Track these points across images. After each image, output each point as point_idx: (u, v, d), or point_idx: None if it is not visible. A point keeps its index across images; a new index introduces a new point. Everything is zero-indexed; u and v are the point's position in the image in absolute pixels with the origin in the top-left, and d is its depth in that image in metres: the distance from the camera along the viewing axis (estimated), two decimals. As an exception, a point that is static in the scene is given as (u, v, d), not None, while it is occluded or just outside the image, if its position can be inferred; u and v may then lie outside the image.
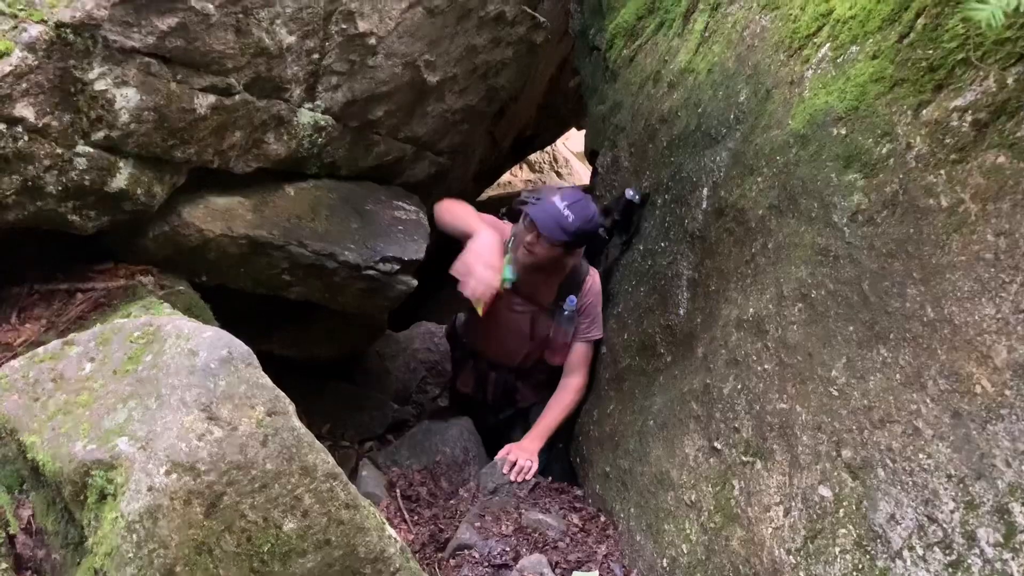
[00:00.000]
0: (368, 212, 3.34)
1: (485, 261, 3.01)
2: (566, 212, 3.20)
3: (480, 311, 3.45)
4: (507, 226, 3.63)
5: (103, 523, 1.76)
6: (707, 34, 3.18)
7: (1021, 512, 1.48)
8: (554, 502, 3.18)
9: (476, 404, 3.95)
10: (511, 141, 6.62)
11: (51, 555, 1.97)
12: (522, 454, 3.30)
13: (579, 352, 3.53)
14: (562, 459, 3.64)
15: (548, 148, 9.86)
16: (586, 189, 4.26)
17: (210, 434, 1.81)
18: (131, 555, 1.71)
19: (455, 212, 3.38)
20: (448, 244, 3.84)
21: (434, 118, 3.60)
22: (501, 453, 3.35)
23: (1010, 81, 1.70)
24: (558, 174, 10.38)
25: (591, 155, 4.44)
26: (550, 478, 3.37)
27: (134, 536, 1.72)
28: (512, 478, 3.20)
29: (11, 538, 1.95)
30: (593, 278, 3.53)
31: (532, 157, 9.81)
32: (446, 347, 4.51)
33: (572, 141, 10.03)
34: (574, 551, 2.82)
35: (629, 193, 3.37)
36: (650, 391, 2.96)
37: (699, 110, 3.00)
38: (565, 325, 3.49)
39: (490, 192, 8.23)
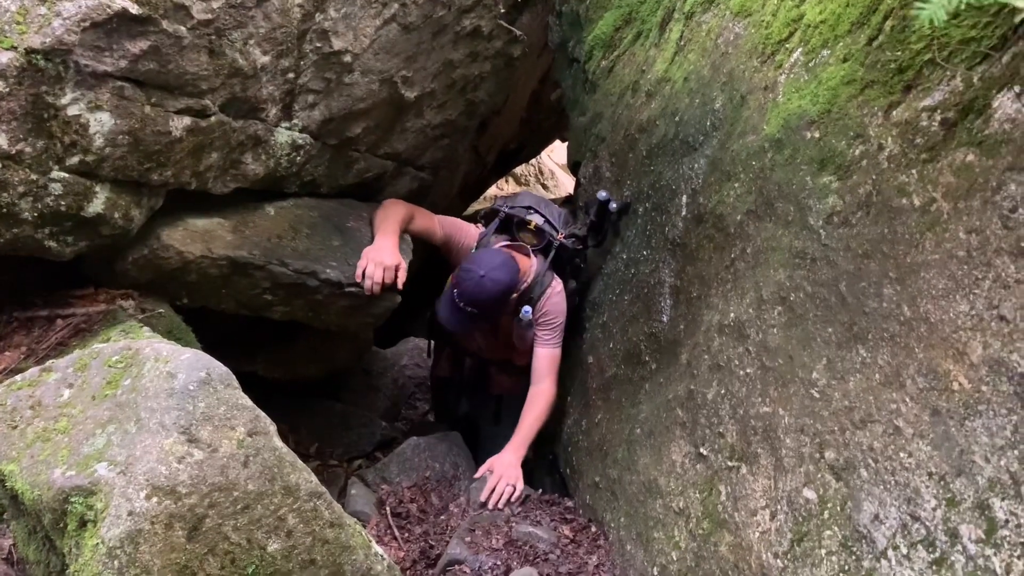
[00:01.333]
0: (350, 229, 3.34)
1: (376, 259, 3.14)
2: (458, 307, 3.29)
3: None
4: (475, 231, 3.66)
5: (84, 550, 1.75)
6: (683, 43, 3.20)
7: (1001, 508, 1.48)
8: (545, 514, 3.17)
9: (453, 389, 4.04)
10: (496, 155, 6.63)
11: (33, 584, 1.95)
12: (507, 472, 3.25)
13: (541, 358, 3.53)
14: (552, 470, 3.63)
15: (533, 161, 9.90)
16: (569, 200, 4.27)
17: (190, 456, 1.80)
18: (112, 581, 1.70)
19: (382, 215, 3.42)
20: (432, 258, 3.85)
21: (414, 134, 3.60)
22: (483, 469, 3.32)
23: (976, 80, 1.71)
24: (544, 186, 10.41)
25: (574, 166, 4.45)
26: (540, 490, 3.36)
27: (115, 562, 1.71)
28: (491, 507, 3.13)
29: (-8, 568, 1.94)
30: (554, 289, 3.54)
31: (518, 170, 9.84)
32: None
33: (556, 153, 10.08)
34: (565, 563, 2.81)
35: (602, 195, 3.40)
36: (637, 399, 2.96)
37: (676, 118, 3.01)
38: (525, 330, 3.53)
39: (476, 206, 8.25)
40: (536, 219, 3.64)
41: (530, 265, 3.49)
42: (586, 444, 3.33)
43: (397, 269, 3.17)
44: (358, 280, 3.09)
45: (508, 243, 3.59)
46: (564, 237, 3.61)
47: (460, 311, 3.30)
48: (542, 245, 3.60)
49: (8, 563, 1.96)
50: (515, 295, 3.41)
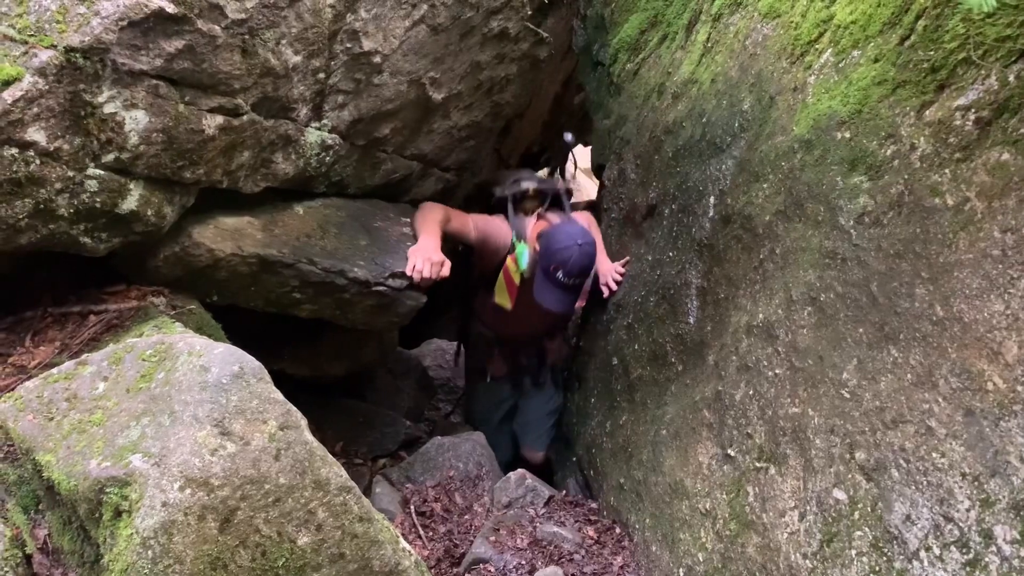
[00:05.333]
0: (377, 229, 3.36)
1: (424, 256, 3.23)
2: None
3: (507, 304, 3.77)
4: (504, 224, 3.81)
5: (118, 540, 1.77)
6: (710, 45, 3.20)
7: (1037, 508, 1.48)
8: (569, 515, 3.17)
9: (511, 382, 4.27)
10: (518, 159, 6.66)
11: (68, 574, 1.98)
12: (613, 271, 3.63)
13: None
14: (576, 472, 3.63)
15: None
16: (592, 204, 4.30)
17: (223, 449, 1.82)
18: (147, 571, 1.72)
19: (421, 217, 3.52)
20: (457, 260, 3.86)
21: (440, 135, 3.62)
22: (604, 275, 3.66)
23: (1012, 78, 1.70)
24: (565, 191, 10.41)
25: (597, 169, 4.46)
26: (564, 492, 3.36)
27: (149, 552, 1.72)
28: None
29: (28, 558, 1.96)
30: (588, 219, 3.91)
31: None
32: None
33: (578, 157, 10.06)
34: (590, 563, 2.81)
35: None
36: (662, 401, 2.95)
37: (703, 120, 3.01)
38: None
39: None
40: (530, 185, 3.94)
41: None
42: (610, 446, 3.33)
43: (442, 265, 3.26)
44: (409, 273, 3.18)
45: (540, 213, 3.88)
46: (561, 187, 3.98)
47: (568, 288, 3.51)
48: (549, 200, 3.94)
49: (44, 553, 1.98)
50: None
